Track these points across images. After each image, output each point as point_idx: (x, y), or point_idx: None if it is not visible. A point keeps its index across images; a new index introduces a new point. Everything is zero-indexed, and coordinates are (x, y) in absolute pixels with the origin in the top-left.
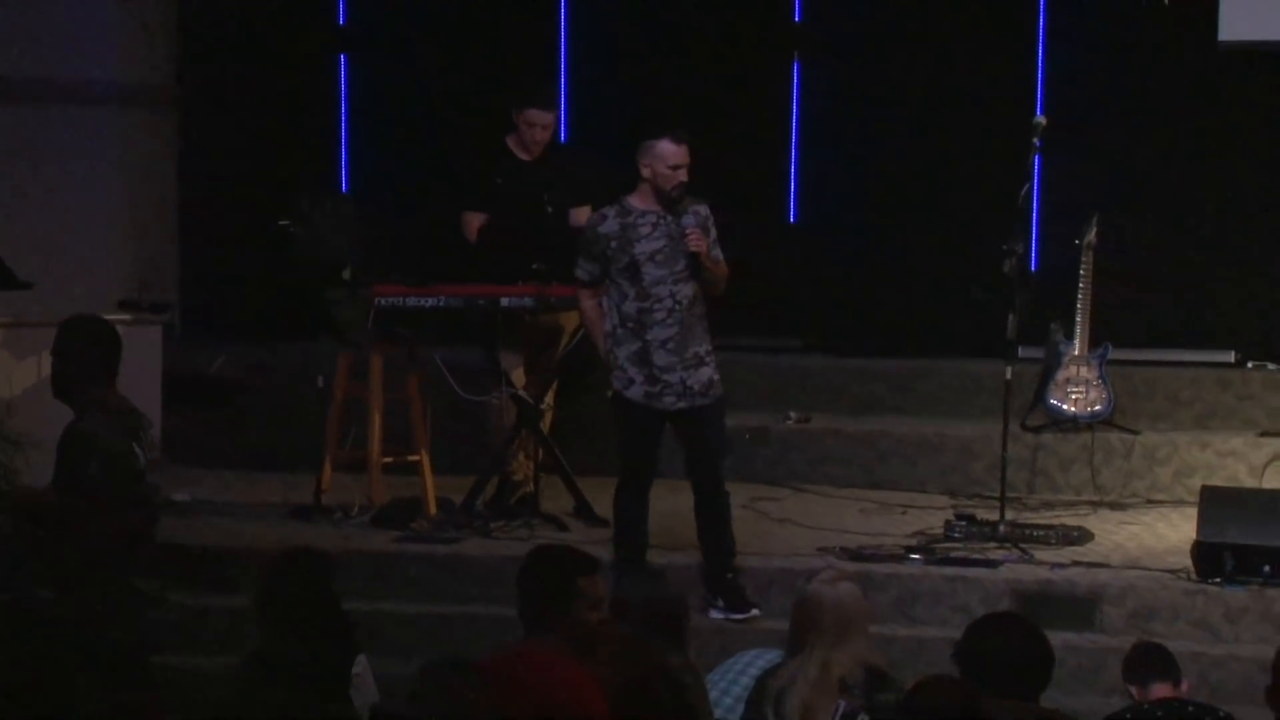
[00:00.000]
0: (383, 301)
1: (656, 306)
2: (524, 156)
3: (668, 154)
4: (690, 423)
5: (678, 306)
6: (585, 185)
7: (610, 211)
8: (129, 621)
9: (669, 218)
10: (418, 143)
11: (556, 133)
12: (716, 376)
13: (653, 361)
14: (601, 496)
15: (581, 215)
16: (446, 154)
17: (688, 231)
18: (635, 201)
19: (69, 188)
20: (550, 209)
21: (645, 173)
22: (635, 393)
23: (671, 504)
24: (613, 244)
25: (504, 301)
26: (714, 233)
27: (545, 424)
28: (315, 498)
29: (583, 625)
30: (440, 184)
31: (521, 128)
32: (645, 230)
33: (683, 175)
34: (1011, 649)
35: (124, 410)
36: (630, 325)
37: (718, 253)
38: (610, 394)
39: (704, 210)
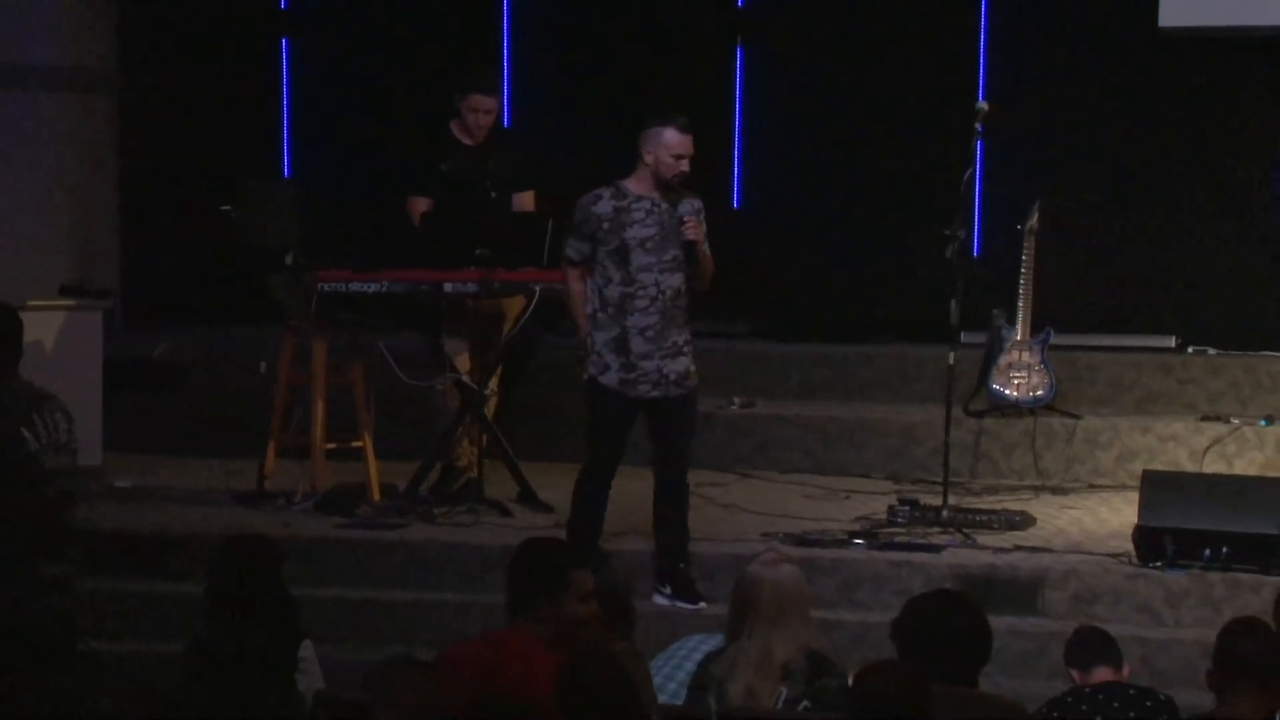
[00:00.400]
0: (326, 287)
1: (640, 293)
2: (467, 141)
3: (673, 143)
4: (662, 412)
5: (661, 296)
6: (528, 170)
7: (605, 192)
8: (37, 606)
9: (664, 205)
10: (360, 127)
11: (499, 117)
12: (693, 368)
13: (630, 348)
14: (545, 482)
15: (524, 200)
16: (389, 138)
17: (685, 219)
18: (631, 185)
19: (8, 172)
20: (494, 194)
21: (647, 159)
22: (610, 379)
23: (620, 488)
24: (605, 225)
25: (447, 287)
26: (704, 227)
27: (489, 409)
28: (259, 484)
29: (568, 618)
30: (383, 168)
31: (465, 113)
32: (639, 216)
33: (684, 166)
34: (948, 624)
35: (22, 394)
36: (611, 310)
37: (705, 247)
38: (585, 379)
39: (697, 203)
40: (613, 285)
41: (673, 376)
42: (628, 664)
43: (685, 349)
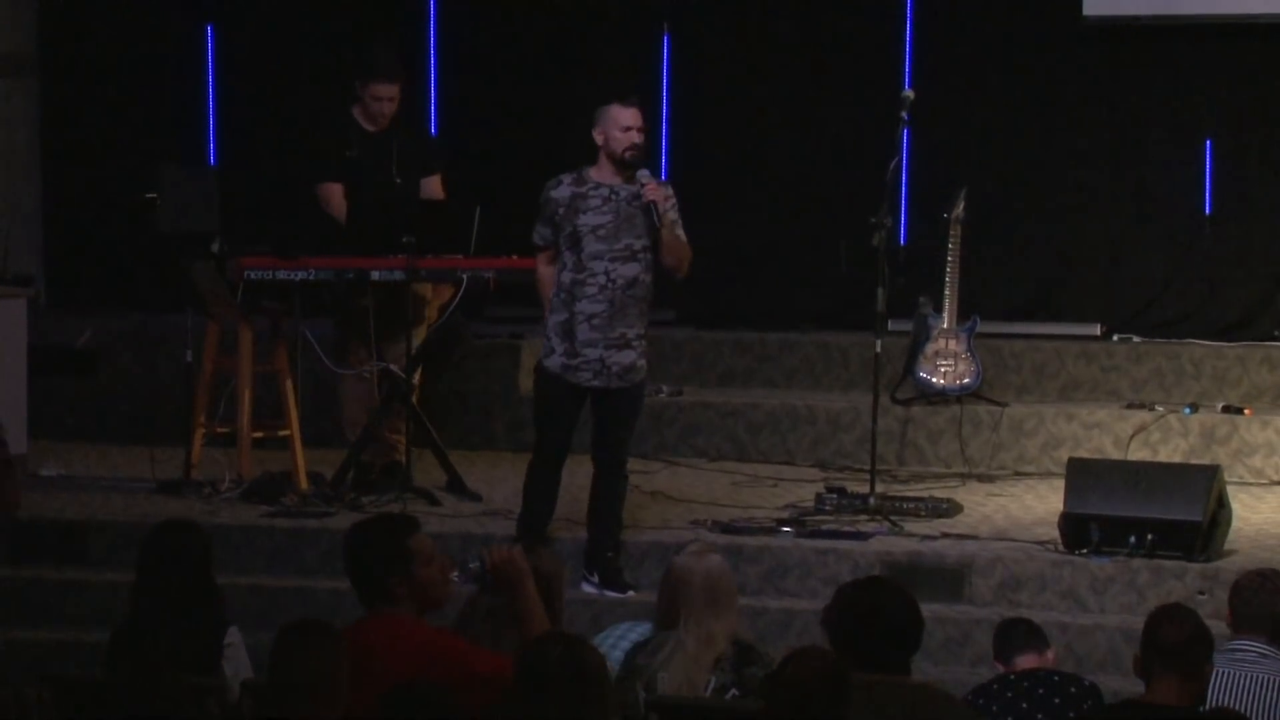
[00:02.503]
0: (252, 274)
1: (589, 281)
2: (371, 128)
3: (618, 116)
4: (604, 403)
5: (610, 284)
6: (434, 155)
7: (567, 178)
8: None
9: (622, 193)
10: (286, 114)
11: (403, 103)
12: (642, 362)
13: (575, 335)
14: (472, 470)
15: (431, 186)
16: (302, 127)
17: (644, 183)
18: (593, 172)
19: None
20: (399, 180)
21: (599, 140)
22: (554, 363)
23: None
24: (560, 210)
25: (375, 274)
26: (674, 214)
27: (414, 399)
28: (185, 472)
29: (420, 585)
30: (291, 156)
31: (367, 101)
32: (595, 203)
33: (635, 137)
34: (880, 611)
35: None
36: (564, 296)
37: (680, 232)
38: (535, 363)
39: (667, 190)
40: (566, 271)
41: (615, 369)
42: (586, 649)
43: (635, 342)
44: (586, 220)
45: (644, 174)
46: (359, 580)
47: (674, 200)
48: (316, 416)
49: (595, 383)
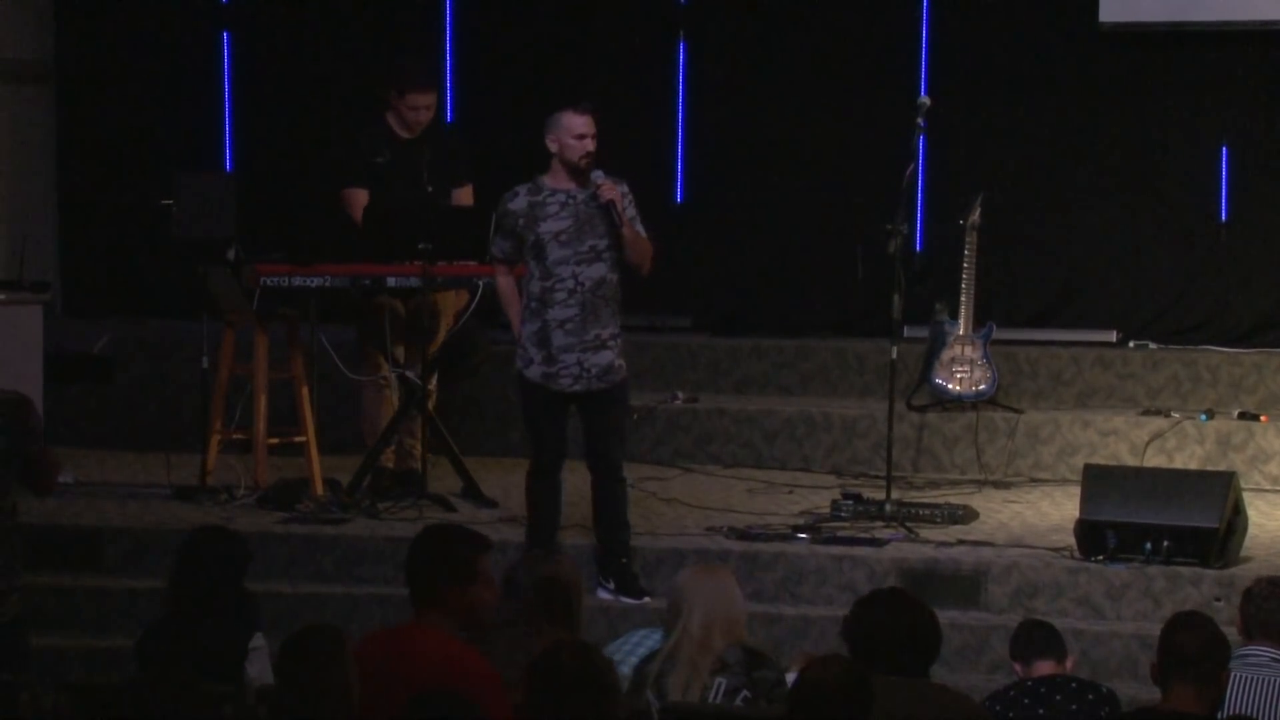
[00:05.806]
0: (267, 281)
1: (558, 286)
2: (405, 135)
3: (572, 124)
4: (587, 406)
5: (579, 288)
6: (467, 164)
7: (522, 189)
8: None
9: (579, 197)
10: (302, 120)
11: (438, 111)
12: (620, 362)
13: (551, 342)
14: (488, 476)
15: (463, 194)
16: (331, 131)
17: (599, 184)
18: (547, 180)
19: None
20: (431, 188)
21: (553, 147)
22: (534, 373)
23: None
24: (520, 221)
25: (391, 281)
26: (631, 210)
27: (429, 405)
28: (200, 478)
29: (473, 605)
30: (319, 161)
31: (404, 110)
32: (553, 209)
33: (589, 145)
34: (899, 624)
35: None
36: (534, 305)
37: (640, 228)
38: (515, 373)
39: (622, 187)
40: (534, 280)
41: (594, 370)
42: (597, 656)
43: (610, 343)
44: (548, 227)
45: (598, 175)
46: (418, 581)
47: (631, 197)
48: (332, 423)
49: (576, 387)
